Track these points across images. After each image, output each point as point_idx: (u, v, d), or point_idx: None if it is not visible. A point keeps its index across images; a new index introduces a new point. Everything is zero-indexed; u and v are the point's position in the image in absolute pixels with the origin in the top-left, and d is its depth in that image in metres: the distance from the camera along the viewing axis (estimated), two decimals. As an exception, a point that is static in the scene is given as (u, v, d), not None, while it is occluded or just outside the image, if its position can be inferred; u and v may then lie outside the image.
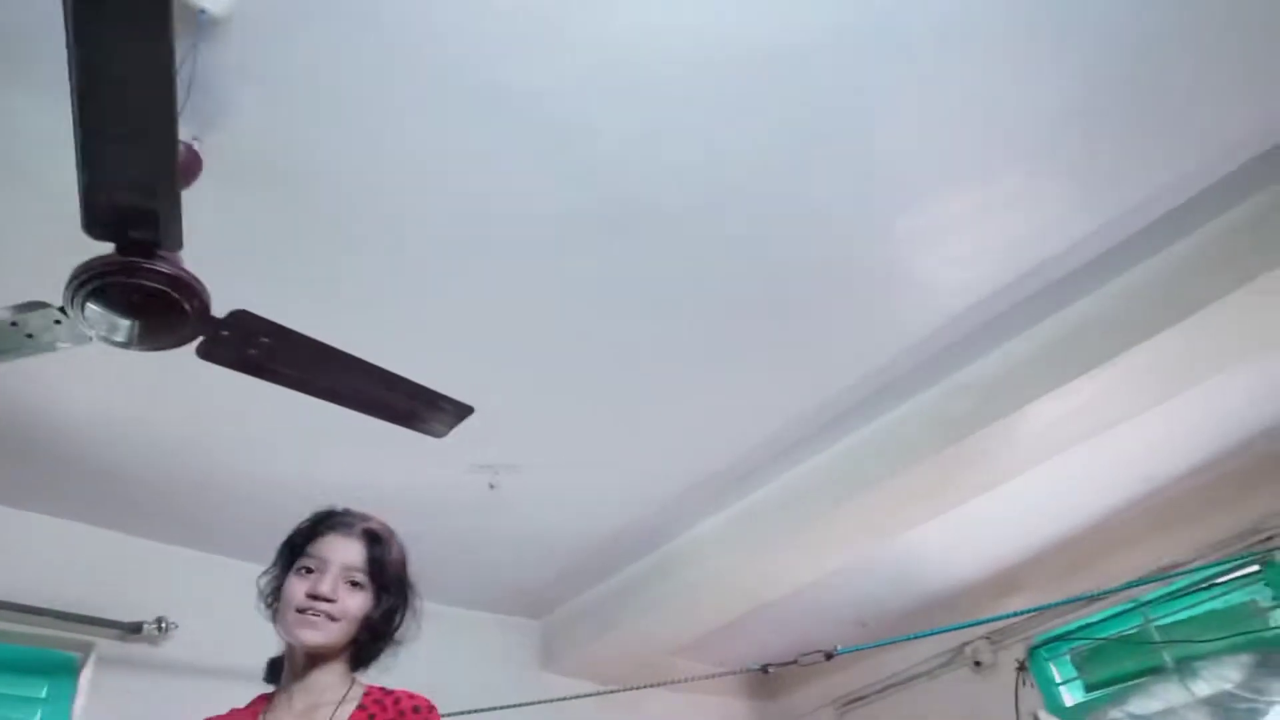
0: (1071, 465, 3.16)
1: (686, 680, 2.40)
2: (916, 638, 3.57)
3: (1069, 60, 1.93)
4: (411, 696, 1.54)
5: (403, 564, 1.63)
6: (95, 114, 1.20)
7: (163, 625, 2.97)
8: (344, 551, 1.54)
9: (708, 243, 2.29)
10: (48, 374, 2.17)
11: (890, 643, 2.41)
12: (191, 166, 1.72)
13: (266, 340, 1.64)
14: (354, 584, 1.53)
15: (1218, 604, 3.63)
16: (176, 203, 1.35)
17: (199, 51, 1.63)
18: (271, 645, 1.60)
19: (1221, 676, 3.48)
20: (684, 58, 1.82)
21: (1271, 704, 3.33)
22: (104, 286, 1.40)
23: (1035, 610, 3.59)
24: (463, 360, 2.47)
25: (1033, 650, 4.10)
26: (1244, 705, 3.39)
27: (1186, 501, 3.71)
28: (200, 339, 1.58)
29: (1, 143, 1.83)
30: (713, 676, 2.32)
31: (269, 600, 1.58)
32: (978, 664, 4.23)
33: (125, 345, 1.52)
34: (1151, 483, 3.65)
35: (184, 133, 1.59)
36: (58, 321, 1.51)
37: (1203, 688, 3.51)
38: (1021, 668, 4.09)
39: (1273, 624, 3.46)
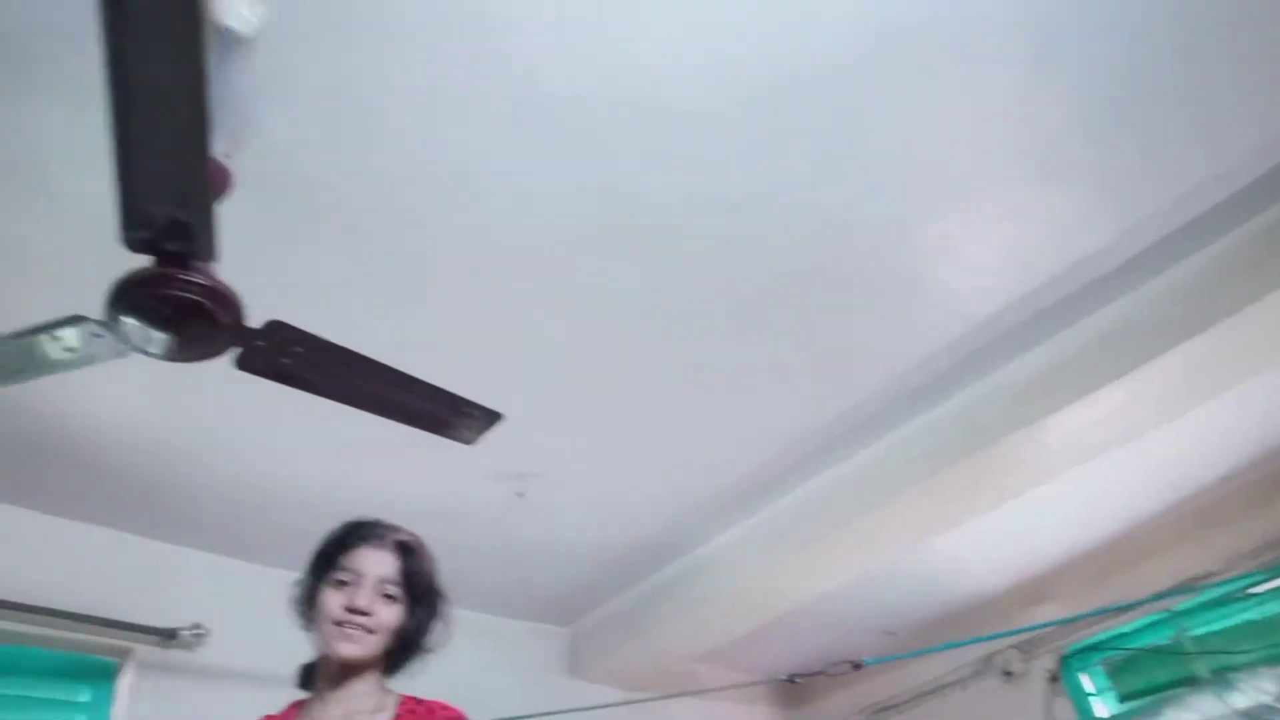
0: (1101, 473, 3.12)
1: (715, 690, 2.40)
2: (944, 649, 3.54)
3: (1093, 66, 1.92)
4: (445, 708, 1.56)
5: (433, 574, 1.66)
6: (131, 129, 1.23)
7: (199, 631, 3.02)
8: (377, 564, 1.57)
9: (732, 252, 2.30)
10: (86, 384, 2.21)
11: (918, 654, 2.39)
12: (223, 181, 1.76)
13: (301, 350, 1.67)
14: (388, 596, 1.56)
15: (1253, 614, 3.56)
16: (211, 215, 1.38)
17: (230, 69, 1.67)
18: (304, 651, 1.63)
19: (1259, 689, 3.43)
20: (708, 71, 1.84)
21: (1310, 716, 3.28)
22: (143, 299, 1.44)
23: (1065, 621, 3.55)
24: (490, 368, 2.50)
25: (1064, 660, 4.04)
26: (1282, 718, 3.33)
27: (1218, 509, 3.65)
28: (238, 350, 1.62)
29: (31, 160, 1.88)
30: (740, 686, 2.31)
31: (302, 609, 1.62)
32: (1008, 674, 4.18)
33: (162, 357, 1.56)
34: (1182, 490, 3.60)
35: (216, 149, 1.63)
36: (97, 335, 1.54)
37: (1239, 700, 3.45)
38: (1053, 678, 4.04)
39: (1311, 636, 3.40)
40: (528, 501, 3.13)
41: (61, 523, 2.99)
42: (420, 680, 1.63)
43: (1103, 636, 3.94)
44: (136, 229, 1.37)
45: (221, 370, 1.66)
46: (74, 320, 1.54)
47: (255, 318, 1.58)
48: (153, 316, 1.47)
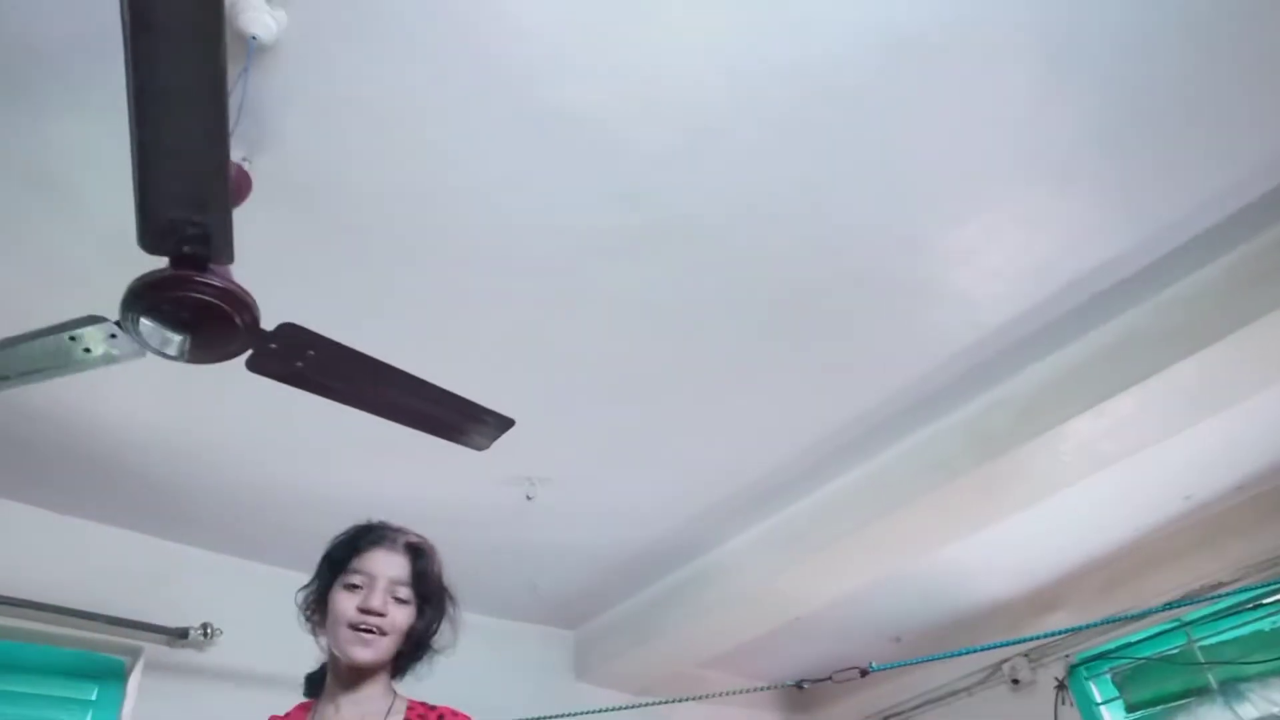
0: (1112, 482, 3.11)
1: (722, 694, 2.40)
2: (952, 656, 3.53)
3: (1107, 77, 1.92)
4: (455, 714, 1.56)
5: (442, 575, 1.66)
6: (151, 134, 1.24)
7: (208, 631, 3.04)
8: (389, 566, 1.57)
9: (746, 258, 2.30)
10: (99, 385, 2.23)
11: (925, 660, 2.38)
12: (242, 186, 1.77)
13: (313, 353, 1.67)
14: (399, 599, 1.56)
15: (1264, 625, 3.55)
16: (228, 219, 1.39)
17: (249, 76, 1.68)
18: (314, 652, 1.63)
19: (1269, 699, 3.41)
20: (725, 80, 1.85)
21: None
22: (159, 300, 1.45)
23: (1074, 630, 3.54)
24: (501, 374, 2.51)
25: (1072, 669, 4.03)
26: (1292, 729, 3.32)
27: (1229, 519, 3.64)
28: (250, 352, 1.63)
29: (53, 166, 1.89)
30: (748, 691, 2.31)
31: (309, 613, 1.62)
32: (1016, 682, 4.17)
33: (177, 358, 1.57)
34: (1193, 500, 3.59)
35: (235, 154, 1.64)
36: (114, 336, 1.55)
37: (1249, 711, 3.43)
38: (1061, 686, 4.03)
39: (1322, 647, 3.39)
40: (536, 505, 3.13)
41: (73, 522, 3.01)
42: (428, 683, 1.63)
43: (1112, 645, 3.94)
44: (155, 232, 1.38)
45: (235, 372, 1.67)
46: (92, 321, 1.55)
47: (270, 321, 1.59)
48: (169, 318, 1.48)
